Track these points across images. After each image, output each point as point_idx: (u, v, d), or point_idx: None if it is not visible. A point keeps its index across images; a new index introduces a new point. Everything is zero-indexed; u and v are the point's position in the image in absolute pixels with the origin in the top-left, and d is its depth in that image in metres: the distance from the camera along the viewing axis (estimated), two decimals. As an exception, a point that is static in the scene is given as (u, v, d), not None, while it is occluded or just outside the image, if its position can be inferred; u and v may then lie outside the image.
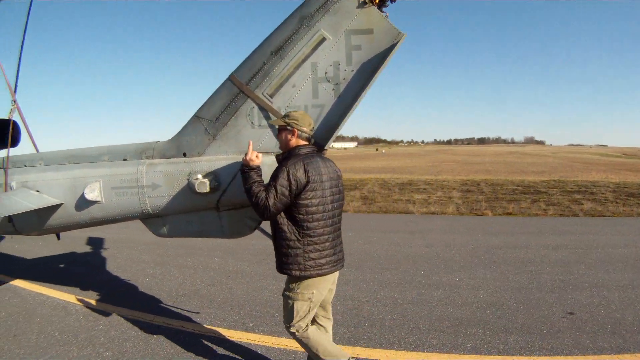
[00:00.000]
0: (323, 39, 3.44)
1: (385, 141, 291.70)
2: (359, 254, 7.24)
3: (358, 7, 3.31)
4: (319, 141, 3.34)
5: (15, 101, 5.03)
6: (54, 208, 4.51)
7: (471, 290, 5.50)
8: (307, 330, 2.95)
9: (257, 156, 2.92)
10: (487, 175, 23.38)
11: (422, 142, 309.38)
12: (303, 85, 3.52)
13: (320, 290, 2.90)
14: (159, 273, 6.51)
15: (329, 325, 3.23)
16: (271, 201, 2.69)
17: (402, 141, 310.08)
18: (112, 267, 7.05)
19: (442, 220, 10.25)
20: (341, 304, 5.10)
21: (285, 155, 2.92)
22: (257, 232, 3.74)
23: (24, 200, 4.49)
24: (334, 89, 3.44)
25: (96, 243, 8.73)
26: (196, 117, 3.89)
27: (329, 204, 2.86)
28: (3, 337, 4.47)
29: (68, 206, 4.44)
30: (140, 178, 4.06)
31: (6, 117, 5.14)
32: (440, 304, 5.08)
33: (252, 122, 3.63)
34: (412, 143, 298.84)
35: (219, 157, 3.58)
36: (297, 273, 2.80)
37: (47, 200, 4.47)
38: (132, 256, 7.57)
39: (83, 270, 7.03)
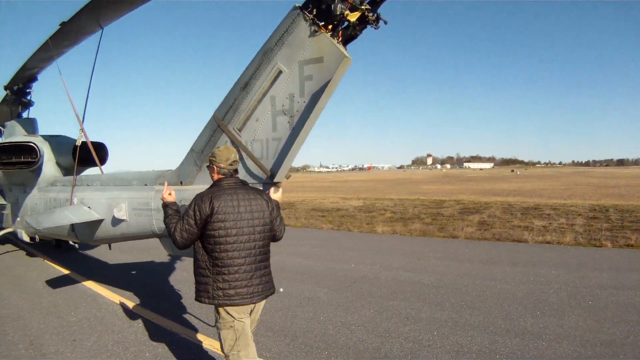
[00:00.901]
0: (280, 72, 3.54)
1: (522, 162, 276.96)
2: (448, 287, 6.47)
3: (310, 36, 3.32)
4: (276, 173, 3.52)
5: (82, 129, 5.89)
6: (98, 222, 5.37)
7: (553, 342, 4.42)
8: None
9: (169, 194, 3.21)
10: (619, 200, 20.39)
11: (559, 163, 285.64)
12: (264, 119, 3.67)
13: (240, 319, 2.93)
14: None
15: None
16: (177, 231, 2.90)
17: (539, 162, 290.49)
18: (183, 279, 7.15)
19: (553, 251, 8.89)
20: (399, 346, 4.43)
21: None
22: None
23: (75, 213, 5.53)
24: (289, 122, 3.52)
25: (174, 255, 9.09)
26: (190, 149, 4.28)
27: (244, 235, 2.90)
28: (63, 341, 4.72)
29: (107, 222, 5.25)
30: (150, 202, 4.70)
31: (77, 143, 6.23)
32: (510, 358, 4.14)
33: None
34: (549, 164, 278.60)
35: (203, 187, 3.65)
36: (207, 301, 2.90)
37: (92, 215, 5.37)
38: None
39: (157, 280, 7.32)
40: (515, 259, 8.21)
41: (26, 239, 7.77)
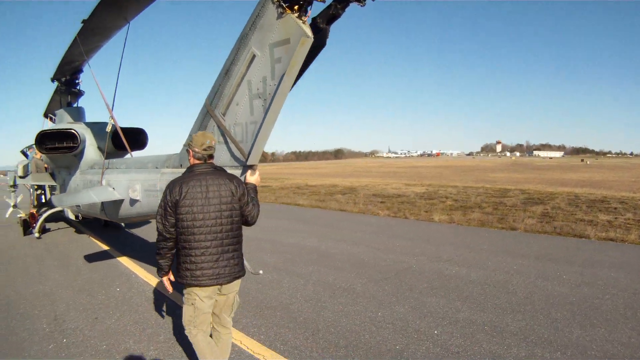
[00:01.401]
0: (254, 56, 3.61)
1: (592, 151, 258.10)
2: (495, 285, 5.72)
3: (277, 18, 3.34)
4: (252, 157, 3.62)
5: (112, 117, 6.08)
6: (120, 202, 5.73)
7: (603, 360, 3.68)
8: (196, 336, 3.09)
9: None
10: (695, 193, 17.96)
11: (631, 154, 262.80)
12: (243, 103, 3.75)
13: (202, 298, 3.02)
14: (270, 279, 6.15)
15: (223, 332, 3.27)
16: (158, 217, 3.03)
17: (610, 152, 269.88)
18: None
19: (616, 250, 7.77)
20: (424, 350, 3.92)
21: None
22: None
23: (98, 193, 5.89)
24: (262, 105, 3.57)
25: None
26: (189, 134, 4.38)
27: (211, 219, 2.96)
28: (86, 318, 4.73)
29: (126, 202, 5.57)
30: (156, 183, 4.98)
31: (107, 130, 6.55)
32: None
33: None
34: (620, 155, 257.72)
35: None
36: (179, 280, 3.04)
37: (113, 195, 5.70)
38: (256, 257, 7.49)
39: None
40: (574, 256, 7.24)
41: (71, 216, 8.15)
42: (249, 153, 3.65)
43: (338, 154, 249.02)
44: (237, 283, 3.18)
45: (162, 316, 4.78)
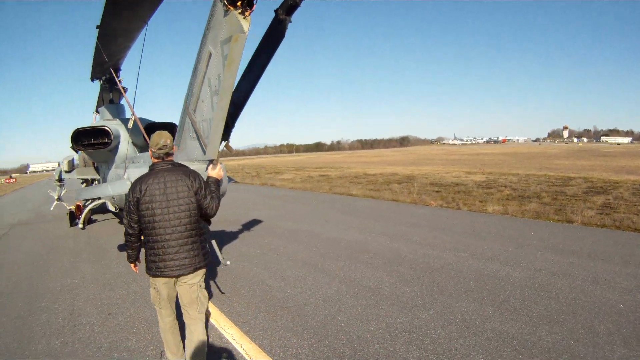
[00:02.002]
0: (210, 54, 3.76)
1: None
2: (537, 288, 5.02)
3: (224, 15, 3.45)
4: (209, 151, 3.89)
5: (133, 113, 6.48)
6: None
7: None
8: (160, 311, 3.30)
9: None
10: None
11: None
12: (206, 99, 3.91)
13: (163, 285, 3.18)
14: (295, 276, 5.89)
15: (192, 325, 3.28)
16: (124, 214, 3.22)
17: None
18: (262, 261, 6.82)
19: None
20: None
21: None
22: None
23: (114, 187, 6.21)
24: (218, 101, 3.73)
25: (269, 232, 9.15)
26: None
27: (169, 214, 3.08)
28: (100, 314, 4.77)
29: None
30: None
31: (128, 126, 7.02)
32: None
33: (189, 135, 4.36)
34: None
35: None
36: (146, 271, 3.22)
37: (126, 189, 5.55)
38: (290, 250, 7.35)
39: (239, 265, 7.17)
40: (631, 255, 6.19)
41: (111, 208, 8.46)
42: (207, 148, 3.86)
43: (404, 141, 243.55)
44: (199, 274, 3.24)
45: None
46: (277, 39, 4.14)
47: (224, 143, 4.30)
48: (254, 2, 3.37)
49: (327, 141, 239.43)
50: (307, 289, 5.34)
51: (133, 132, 8.55)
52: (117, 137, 8.38)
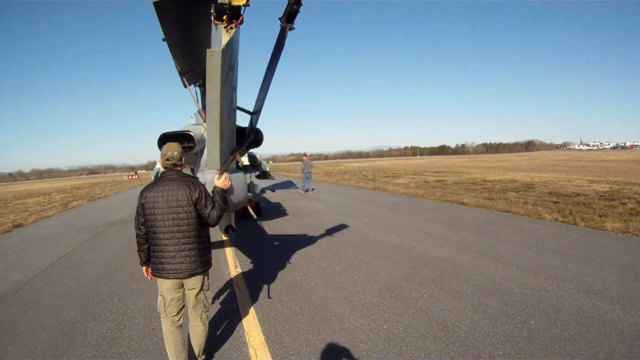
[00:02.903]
0: None
1: None
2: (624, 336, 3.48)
3: (216, 29, 3.53)
4: (210, 163, 4.20)
5: (204, 119, 6.34)
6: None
7: None
8: (164, 323, 3.44)
9: None
10: None
11: None
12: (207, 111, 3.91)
13: (166, 290, 3.40)
14: (366, 301, 4.99)
15: (195, 325, 3.50)
16: (135, 215, 3.50)
17: None
18: (337, 280, 5.96)
19: None
20: None
21: None
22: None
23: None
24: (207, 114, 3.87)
25: (297, 240, 8.48)
26: None
27: (168, 220, 3.30)
28: (145, 328, 4.49)
29: None
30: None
31: (201, 132, 7.09)
32: None
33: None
34: None
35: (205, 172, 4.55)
36: (152, 272, 3.48)
37: None
38: (374, 265, 6.56)
39: (310, 282, 6.54)
40: None
41: None
42: (208, 158, 3.97)
43: (529, 145, 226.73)
44: (197, 279, 3.41)
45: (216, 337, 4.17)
46: (278, 48, 4.24)
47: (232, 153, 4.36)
48: (240, 14, 3.33)
49: (452, 144, 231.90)
50: (373, 320, 4.38)
51: None
52: (202, 141, 8.51)
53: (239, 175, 4.61)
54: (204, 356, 3.58)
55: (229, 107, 3.82)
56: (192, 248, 3.34)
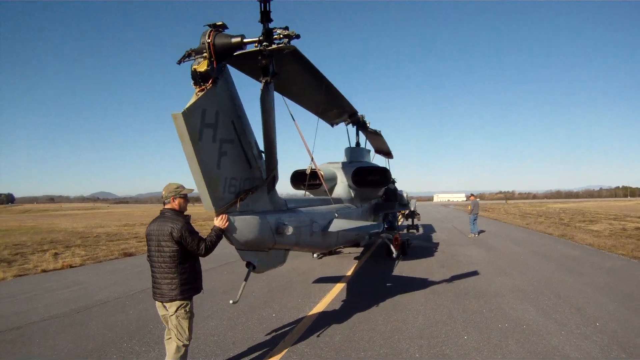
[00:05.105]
0: None
1: None
2: None
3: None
4: (204, 204, 4.19)
5: (312, 159, 6.52)
6: None
7: None
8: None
9: None
10: None
11: None
12: None
13: (158, 310, 4.14)
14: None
15: (167, 345, 4.09)
16: None
17: None
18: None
19: None
20: None
21: None
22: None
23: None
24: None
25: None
26: None
27: (156, 251, 3.95)
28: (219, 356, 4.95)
29: None
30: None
31: (306, 171, 8.08)
32: None
33: None
34: None
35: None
36: None
37: None
38: (396, 303, 6.17)
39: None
40: None
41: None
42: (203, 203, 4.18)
43: None
44: (174, 304, 3.92)
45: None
46: (263, 99, 4.46)
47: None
48: (211, 76, 3.81)
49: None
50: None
51: (347, 174, 9.16)
52: (332, 179, 9.17)
53: (248, 218, 4.52)
54: None
55: (216, 158, 4.06)
56: (174, 277, 3.90)
